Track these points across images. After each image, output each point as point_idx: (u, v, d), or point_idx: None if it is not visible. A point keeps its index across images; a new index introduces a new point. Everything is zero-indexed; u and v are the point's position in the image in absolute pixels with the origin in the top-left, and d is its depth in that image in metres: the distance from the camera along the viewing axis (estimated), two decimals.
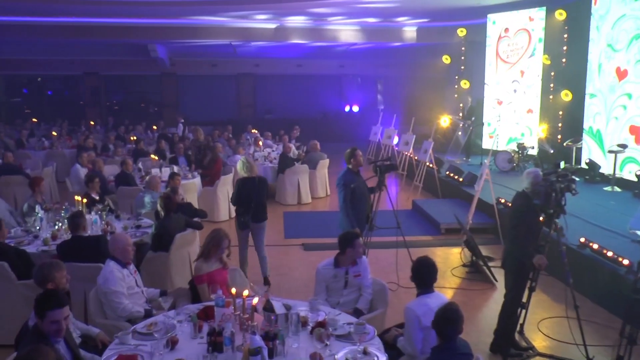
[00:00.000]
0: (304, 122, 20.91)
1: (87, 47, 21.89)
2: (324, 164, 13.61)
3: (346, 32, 18.78)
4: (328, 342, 4.16)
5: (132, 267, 5.27)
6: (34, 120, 23.16)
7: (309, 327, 4.42)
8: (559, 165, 7.67)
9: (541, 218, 5.86)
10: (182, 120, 20.27)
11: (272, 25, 18.28)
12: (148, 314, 4.97)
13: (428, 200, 13.07)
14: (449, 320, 3.87)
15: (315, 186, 13.40)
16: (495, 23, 15.83)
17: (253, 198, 7.54)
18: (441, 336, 3.92)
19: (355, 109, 25.88)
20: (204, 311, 4.56)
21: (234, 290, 4.36)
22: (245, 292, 4.35)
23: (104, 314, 5.06)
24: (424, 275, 4.62)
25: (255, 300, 4.29)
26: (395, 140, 17.15)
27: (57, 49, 22.14)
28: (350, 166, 7.38)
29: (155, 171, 10.89)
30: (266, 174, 13.18)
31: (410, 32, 19.00)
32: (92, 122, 21.91)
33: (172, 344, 4.05)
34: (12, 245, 6.45)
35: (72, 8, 15.76)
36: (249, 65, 24.34)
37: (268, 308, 4.33)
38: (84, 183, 9.23)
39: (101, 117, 23.90)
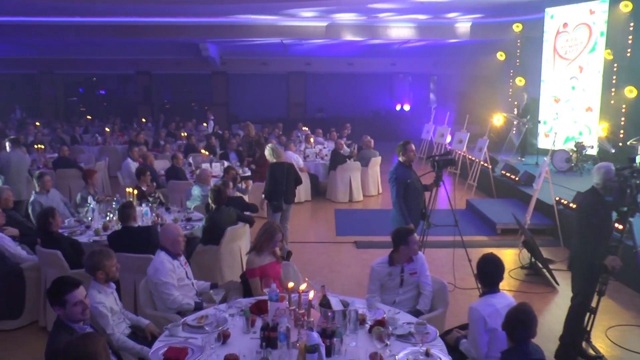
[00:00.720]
0: (355, 121, 20.68)
1: (140, 46, 22.20)
2: (376, 161, 13.32)
3: (398, 29, 18.42)
4: (388, 342, 3.90)
5: (182, 258, 5.13)
6: (89, 117, 23.66)
7: (367, 326, 4.17)
8: (634, 159, 7.19)
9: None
10: (213, 117, 20.41)
11: (324, 23, 18.08)
12: (198, 307, 4.80)
13: (483, 199, 12.65)
14: (522, 322, 3.57)
15: (367, 184, 13.12)
16: (554, 17, 15.20)
17: (284, 182, 8.15)
18: (513, 339, 3.62)
19: (407, 107, 25.44)
20: (256, 305, 4.36)
21: (290, 284, 4.15)
22: (303, 286, 4.13)
23: (153, 305, 4.93)
24: (491, 273, 4.32)
25: (312, 295, 4.05)
26: (448, 138, 16.73)
27: (111, 48, 22.54)
28: (402, 159, 7.06)
29: (205, 165, 10.84)
30: (317, 171, 13.02)
31: (464, 28, 18.50)
32: (143, 120, 22.19)
33: (223, 337, 3.87)
34: (66, 235, 6.48)
35: (127, 8, 16.05)
36: (299, 64, 24.22)
37: (325, 304, 4.09)
38: (134, 176, 9.31)
39: (152, 115, 24.22)
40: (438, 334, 4.18)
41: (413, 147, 7.26)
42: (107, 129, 18.14)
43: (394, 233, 5.28)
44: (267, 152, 8.38)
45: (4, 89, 29.33)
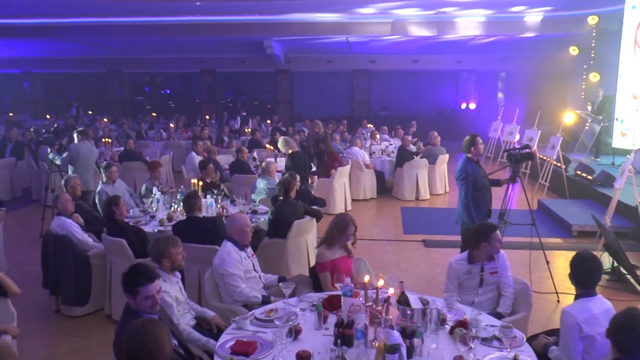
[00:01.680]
0: (419, 119, 20.13)
1: (205, 44, 22.38)
2: (444, 159, 12.86)
3: (465, 25, 17.83)
4: (472, 346, 3.56)
5: (249, 250, 4.92)
6: (154, 114, 24.11)
7: (447, 327, 3.84)
8: None
9: None
10: (244, 114, 20.39)
11: (389, 20, 17.70)
12: (265, 301, 4.58)
13: (555, 200, 12.01)
14: (632, 329, 3.13)
15: (433, 182, 12.68)
16: (635, 8, 14.30)
17: (303, 168, 9.12)
18: (620, 349, 3.18)
19: (472, 105, 24.71)
20: (328, 300, 4.09)
21: (366, 278, 3.87)
22: (381, 282, 3.83)
23: (219, 297, 4.74)
24: (587, 273, 3.89)
25: (391, 291, 3.75)
26: (517, 137, 16.06)
27: (177, 47, 22.85)
28: (469, 155, 6.61)
29: (270, 159, 10.71)
30: (383, 168, 12.70)
31: (533, 22, 17.72)
32: (207, 117, 22.40)
33: (295, 333, 3.61)
34: (131, 224, 6.41)
35: (193, 6, 16.24)
36: (364, 62, 23.87)
37: (403, 301, 3.79)
38: (198, 170, 9.29)
39: (216, 112, 24.43)
40: (525, 339, 3.81)
41: (481, 140, 6.85)
42: (171, 125, 18.36)
43: (475, 229, 4.92)
44: (280, 143, 9.34)
45: (75, 87, 30.48)
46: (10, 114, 23.73)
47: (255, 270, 4.85)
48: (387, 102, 24.85)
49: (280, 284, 4.25)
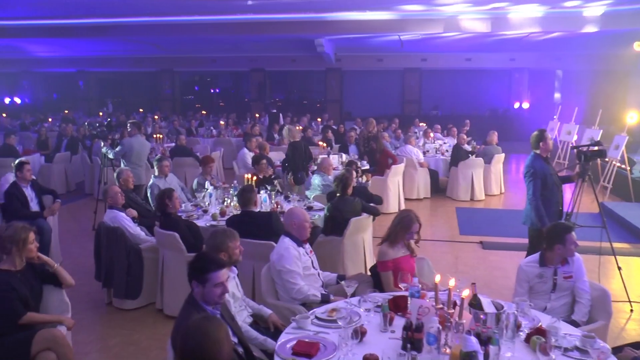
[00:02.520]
0: (471, 119, 19.49)
1: (256, 43, 22.38)
2: (500, 158, 12.39)
3: (520, 21, 17.20)
4: (554, 356, 3.24)
5: (307, 246, 4.70)
6: (204, 112, 24.26)
7: (522, 334, 3.52)
8: None
9: None
10: (274, 111, 20.46)
11: (442, 17, 17.26)
12: (325, 299, 4.34)
13: (620, 203, 11.43)
14: None
15: (489, 182, 12.22)
16: None
17: (303, 157, 9.55)
18: None
19: (525, 105, 23.97)
20: (393, 301, 3.83)
21: (437, 279, 3.60)
22: (452, 283, 3.55)
23: (275, 294, 4.53)
24: None
25: (466, 293, 3.46)
26: (575, 137, 15.42)
27: (228, 46, 22.90)
28: (538, 151, 6.20)
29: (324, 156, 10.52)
30: (437, 167, 12.34)
31: (594, 17, 16.94)
32: (257, 115, 22.40)
33: (360, 335, 3.36)
34: (183, 217, 6.30)
35: (245, 5, 16.24)
36: (415, 60, 23.42)
37: (475, 304, 3.50)
38: (249, 166, 9.29)
39: (266, 111, 24.43)
40: (610, 351, 3.47)
41: (550, 135, 6.45)
42: (221, 123, 18.38)
43: (549, 229, 4.58)
44: (285, 132, 9.84)
45: (126, 86, 31.10)
46: (66, 111, 24.29)
47: (314, 268, 4.62)
48: (438, 101, 24.37)
49: (343, 282, 4.01)
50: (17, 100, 28.85)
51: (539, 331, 3.45)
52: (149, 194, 7.86)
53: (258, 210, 6.17)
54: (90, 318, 6.05)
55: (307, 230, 4.61)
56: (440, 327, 3.21)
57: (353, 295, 4.07)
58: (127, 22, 19.17)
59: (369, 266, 6.69)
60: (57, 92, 30.78)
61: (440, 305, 3.53)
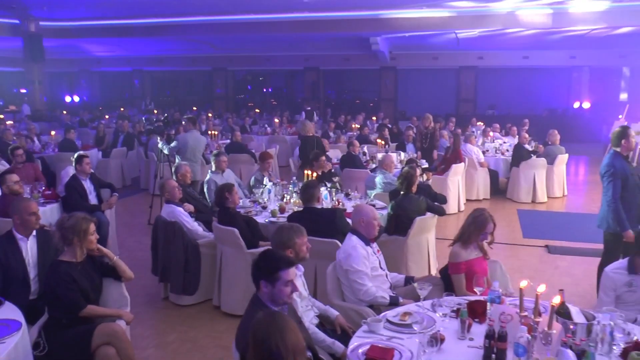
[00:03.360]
0: (528, 118, 18.87)
1: (310, 42, 22.29)
2: (563, 159, 11.82)
3: (583, 16, 16.45)
4: None
5: (375, 245, 4.45)
6: (257, 110, 24.32)
7: (616, 348, 3.19)
8: None
9: None
10: (309, 108, 20.31)
11: (501, 13, 16.71)
12: (394, 302, 4.10)
13: None
14: None
15: (551, 183, 11.67)
16: None
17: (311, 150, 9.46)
18: None
19: (586, 104, 23.04)
20: (470, 306, 3.56)
21: (523, 283, 3.31)
22: (541, 288, 3.25)
23: (341, 294, 4.31)
24: None
25: (557, 300, 3.15)
26: None
27: (282, 44, 22.90)
28: (618, 149, 5.68)
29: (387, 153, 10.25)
30: (497, 167, 11.87)
31: None
32: None
33: (439, 341, 3.10)
34: (242, 213, 6.16)
35: (301, 3, 16.18)
36: (471, 58, 22.89)
37: (563, 313, 3.20)
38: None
39: (319, 110, 24.30)
40: None
41: (633, 133, 6.00)
42: (276, 120, 18.32)
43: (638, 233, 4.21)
44: (300, 126, 10.04)
45: (180, 84, 31.58)
46: (122, 109, 24.77)
47: (381, 268, 4.37)
48: (494, 100, 23.71)
49: (415, 284, 3.76)
50: (76, 98, 29.62)
51: (639, 345, 3.13)
52: (205, 189, 7.77)
53: (322, 206, 5.95)
54: (146, 313, 5.98)
55: (376, 229, 4.37)
56: (530, 338, 2.92)
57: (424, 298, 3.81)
58: (182, 21, 19.47)
59: (432, 268, 6.43)
60: (113, 90, 31.48)
61: (525, 313, 3.24)
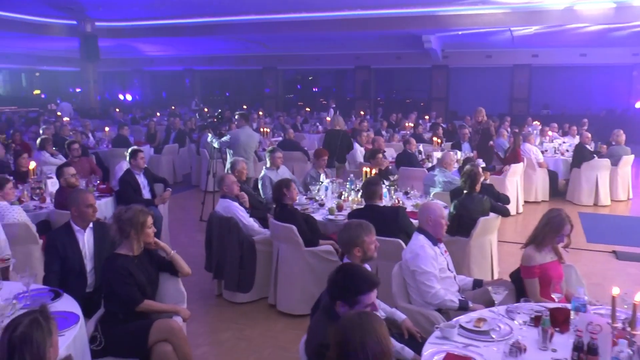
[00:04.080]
0: (585, 118, 18.31)
1: (361, 40, 22.11)
2: (628, 160, 11.23)
3: None
4: None
5: (442, 246, 4.22)
6: (308, 109, 24.25)
7: None
8: None
9: None
10: (334, 106, 20.43)
11: (559, 7, 16.12)
12: (463, 307, 3.85)
13: None
14: None
15: (615, 186, 11.11)
16: None
17: (337, 145, 10.08)
18: None
19: None
20: (552, 314, 3.29)
21: (615, 291, 3.04)
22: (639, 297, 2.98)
23: (406, 296, 4.09)
24: None
25: None
26: None
27: (333, 43, 22.80)
28: None
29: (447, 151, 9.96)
30: (557, 168, 11.40)
31: None
32: (362, 112, 22.06)
33: (520, 351, 2.86)
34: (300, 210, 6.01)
35: (352, 1, 16.04)
36: (526, 56, 22.24)
37: None
38: (359, 161, 8.94)
39: (370, 109, 24.03)
40: None
41: None
42: (328, 119, 18.17)
43: None
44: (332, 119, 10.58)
45: (229, 84, 31.83)
46: (172, 107, 25.11)
47: (449, 270, 4.13)
48: (548, 99, 22.98)
49: (490, 288, 3.52)
50: (129, 97, 30.17)
51: None
52: (260, 186, 7.65)
53: (384, 204, 5.74)
54: (200, 309, 5.87)
55: (443, 228, 4.14)
56: (632, 353, 2.65)
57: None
58: (233, 20, 19.61)
59: (495, 271, 6.15)
60: (164, 89, 31.97)
61: (619, 324, 2.97)
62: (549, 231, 4.03)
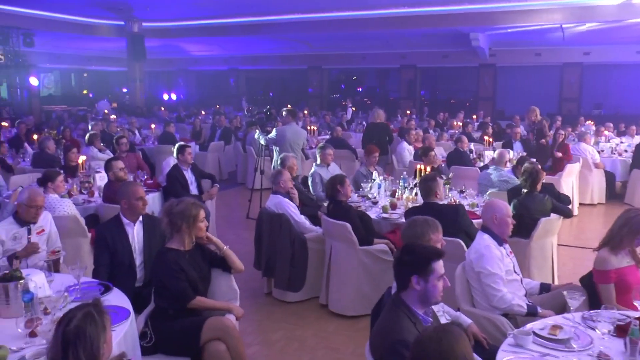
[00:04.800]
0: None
1: (406, 39, 21.78)
2: None
3: None
4: None
5: (507, 246, 3.98)
6: (354, 108, 24.10)
7: None
8: None
9: None
10: (351, 105, 20.85)
11: (616, 1, 15.48)
12: (532, 312, 3.62)
13: None
14: None
15: None
16: None
17: (377, 137, 10.11)
18: None
19: None
20: (628, 324, 3.03)
21: None
22: None
23: (470, 299, 3.88)
24: None
25: None
26: None
27: (378, 42, 22.54)
28: None
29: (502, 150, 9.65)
30: (614, 169, 10.91)
31: None
32: (408, 112, 21.77)
33: None
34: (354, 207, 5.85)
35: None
36: (577, 54, 21.48)
37: None
38: (407, 160, 8.88)
39: (416, 108, 23.72)
40: None
41: None
42: (345, 117, 18.07)
43: None
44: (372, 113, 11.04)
45: (273, 83, 31.89)
46: (217, 106, 25.27)
47: (515, 272, 3.89)
48: (600, 99, 22.17)
49: (565, 292, 3.28)
50: (173, 96, 30.51)
51: None
52: (310, 183, 7.52)
53: (444, 202, 5.52)
54: (249, 308, 5.73)
55: (510, 227, 3.90)
56: None
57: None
58: (278, 19, 19.59)
59: (557, 275, 5.86)
60: (208, 89, 32.23)
61: None
62: (627, 233, 3.74)
